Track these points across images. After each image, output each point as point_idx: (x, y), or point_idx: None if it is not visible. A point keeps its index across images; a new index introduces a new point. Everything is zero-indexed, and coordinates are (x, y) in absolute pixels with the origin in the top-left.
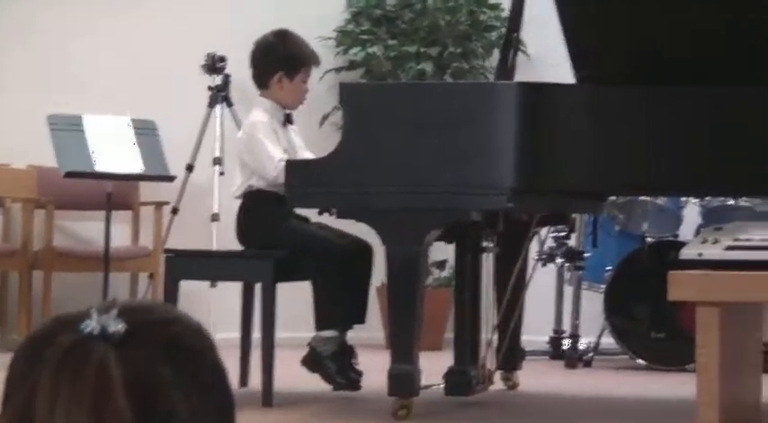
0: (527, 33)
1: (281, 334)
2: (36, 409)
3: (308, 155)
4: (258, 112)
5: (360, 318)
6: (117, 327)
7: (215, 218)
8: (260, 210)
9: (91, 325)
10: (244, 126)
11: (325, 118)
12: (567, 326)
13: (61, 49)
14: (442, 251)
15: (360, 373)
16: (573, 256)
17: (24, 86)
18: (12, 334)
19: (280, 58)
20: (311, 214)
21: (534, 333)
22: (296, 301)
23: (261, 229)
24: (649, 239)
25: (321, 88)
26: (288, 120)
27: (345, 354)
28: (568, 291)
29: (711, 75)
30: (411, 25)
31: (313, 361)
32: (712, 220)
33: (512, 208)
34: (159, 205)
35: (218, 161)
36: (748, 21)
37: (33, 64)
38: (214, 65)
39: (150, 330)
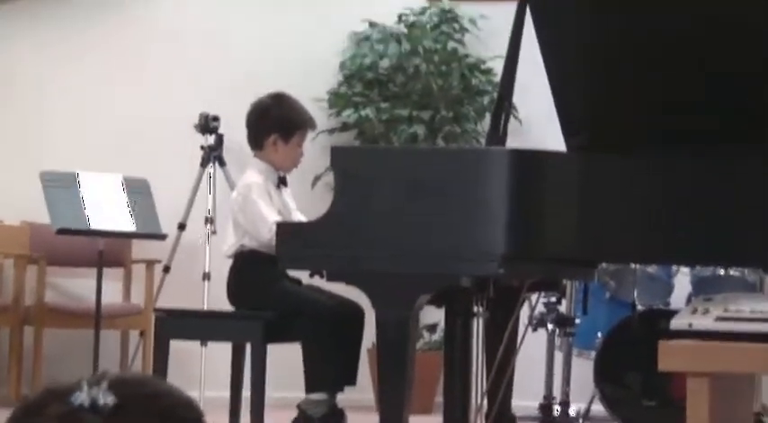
0: (519, 98)
1: (271, 393)
2: None
3: (301, 217)
4: (253, 174)
5: (350, 379)
6: (107, 399)
7: (206, 277)
8: (251, 270)
9: (81, 397)
10: (238, 187)
11: (317, 179)
12: (557, 392)
13: (54, 106)
14: (434, 314)
15: None
16: (563, 322)
17: (17, 142)
18: (2, 388)
19: (275, 121)
20: (302, 276)
21: (525, 398)
22: (286, 362)
23: (252, 289)
24: (640, 307)
25: (313, 150)
26: (282, 182)
27: (335, 416)
28: (559, 357)
29: (706, 141)
30: (403, 89)
31: None
32: (703, 289)
33: (503, 274)
34: (151, 263)
35: (210, 220)
36: (746, 84)
37: (27, 120)
38: (207, 124)
39: (141, 403)
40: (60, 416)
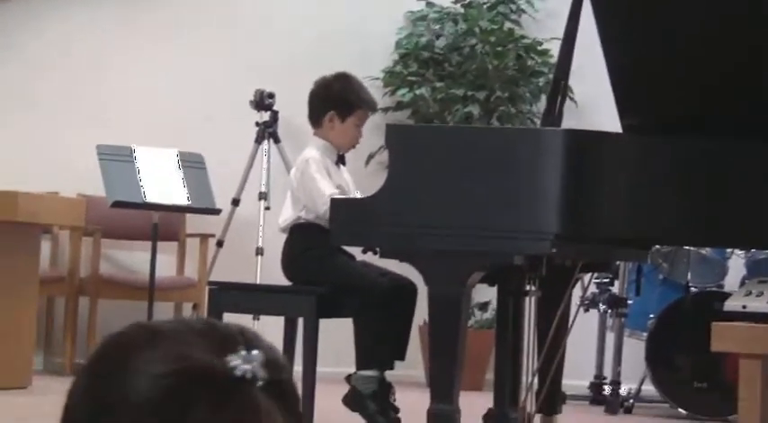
0: (574, 80)
1: (323, 368)
2: None
3: (359, 196)
4: (311, 150)
5: (400, 355)
6: (262, 373)
7: (259, 252)
8: (307, 243)
9: (240, 365)
10: (297, 161)
11: (371, 157)
12: (608, 372)
13: (111, 81)
14: (486, 293)
15: (397, 410)
16: (616, 302)
17: (75, 117)
18: (57, 358)
19: (333, 99)
20: (355, 252)
21: (575, 378)
22: (338, 336)
23: (306, 262)
24: (693, 289)
25: (367, 128)
26: (341, 160)
27: (385, 392)
28: (610, 337)
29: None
30: (459, 68)
31: (354, 400)
32: (757, 271)
33: (555, 254)
34: (205, 237)
35: (263, 196)
36: None
37: (83, 95)
38: (263, 101)
39: (283, 381)
40: (224, 388)
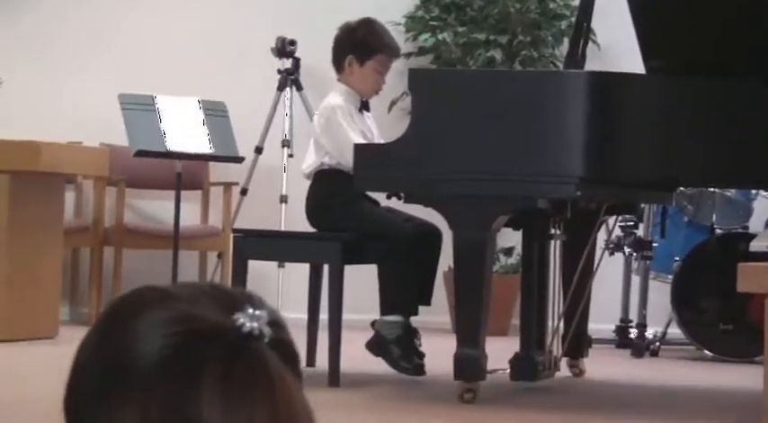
0: (597, 23)
1: (347, 315)
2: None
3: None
4: (335, 96)
5: (426, 300)
6: (267, 330)
7: (283, 199)
8: (331, 189)
9: (247, 322)
10: (320, 108)
11: (393, 103)
12: (634, 315)
13: (132, 30)
14: (510, 238)
15: (422, 355)
16: (641, 245)
17: (96, 66)
18: (83, 307)
19: (353, 43)
20: (379, 198)
21: (601, 321)
22: (363, 283)
23: (331, 208)
24: (718, 231)
25: (390, 74)
26: (364, 106)
27: (410, 337)
28: (636, 280)
29: None
30: (480, 13)
31: (378, 345)
32: None
33: (580, 197)
34: (228, 186)
35: (286, 143)
36: None
37: (105, 44)
38: (284, 48)
39: (287, 344)
40: (232, 344)
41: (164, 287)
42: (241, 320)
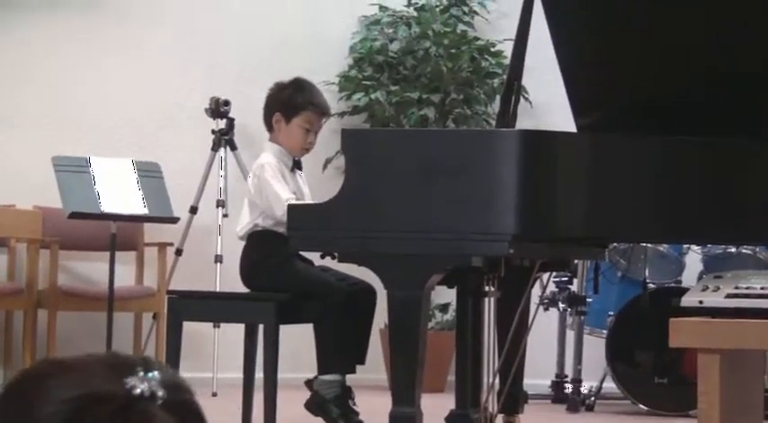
0: (529, 80)
1: (283, 374)
2: None
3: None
4: (267, 155)
5: (361, 359)
6: (159, 392)
7: (218, 259)
8: (264, 250)
9: (138, 384)
10: (253, 167)
11: (328, 162)
12: (569, 370)
13: (65, 92)
14: (446, 294)
15: (357, 414)
16: (575, 301)
17: (29, 128)
18: (15, 371)
19: (280, 101)
20: (314, 257)
21: (537, 377)
22: (298, 342)
23: (264, 269)
24: (651, 285)
25: (324, 133)
26: (296, 165)
27: (347, 396)
28: (570, 335)
29: (717, 122)
30: (413, 72)
31: (317, 405)
32: (714, 267)
33: (513, 254)
34: (163, 246)
35: (221, 203)
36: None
37: (38, 106)
38: (218, 108)
39: (183, 401)
40: (123, 406)
41: (61, 358)
42: (131, 383)
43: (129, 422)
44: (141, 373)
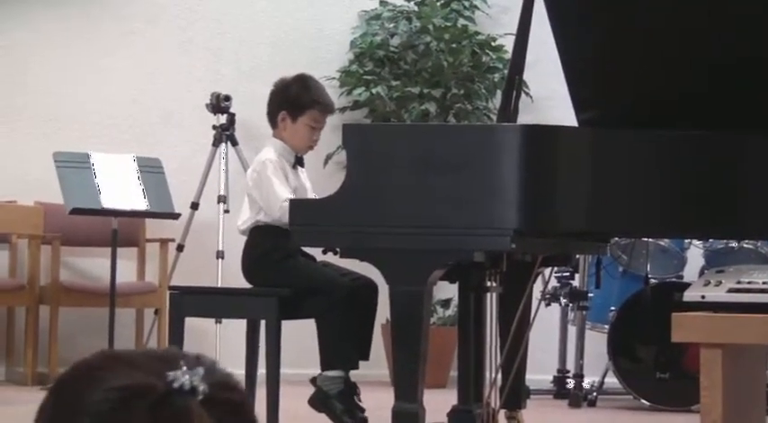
0: (530, 75)
1: (286, 370)
2: None
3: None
4: (269, 151)
5: (364, 355)
6: (201, 387)
7: (220, 255)
8: (266, 245)
9: (180, 378)
10: (253, 163)
11: (329, 157)
12: (571, 365)
13: (67, 88)
14: (448, 289)
15: (363, 409)
16: (577, 296)
17: (31, 124)
18: (18, 367)
19: (286, 99)
20: (316, 252)
21: (539, 372)
22: (301, 338)
23: (266, 264)
24: (653, 280)
25: (325, 128)
26: (298, 162)
27: (351, 391)
28: (572, 331)
29: (719, 117)
30: (414, 66)
31: (320, 401)
32: (715, 261)
33: (515, 249)
34: (164, 242)
35: (222, 199)
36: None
37: (39, 102)
38: (219, 104)
39: (226, 398)
40: (160, 397)
41: (116, 352)
42: (172, 377)
43: (166, 414)
44: (185, 368)
